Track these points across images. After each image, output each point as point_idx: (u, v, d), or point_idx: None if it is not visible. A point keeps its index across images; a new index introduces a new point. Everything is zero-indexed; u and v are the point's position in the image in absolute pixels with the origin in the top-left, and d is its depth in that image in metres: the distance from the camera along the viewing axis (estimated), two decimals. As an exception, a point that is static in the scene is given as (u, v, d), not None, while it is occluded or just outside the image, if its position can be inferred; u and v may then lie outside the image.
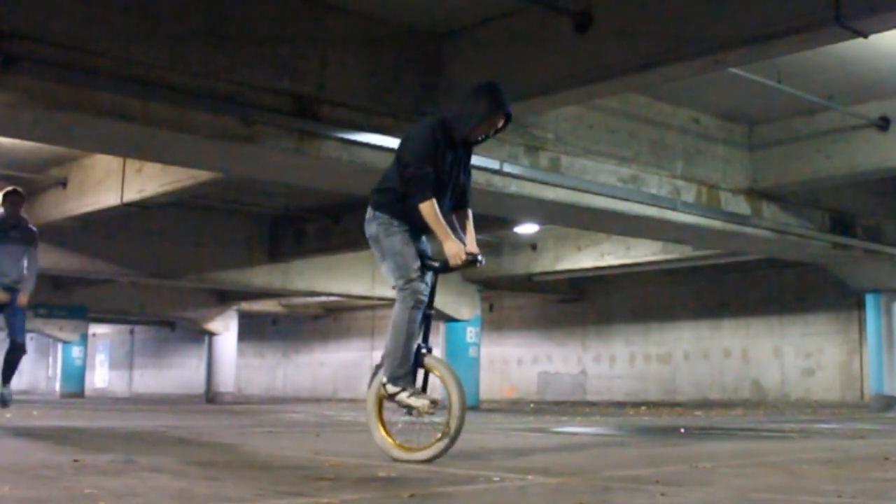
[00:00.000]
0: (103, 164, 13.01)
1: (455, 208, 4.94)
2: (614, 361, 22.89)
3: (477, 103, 4.69)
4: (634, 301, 22.38)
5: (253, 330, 31.70)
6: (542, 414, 14.89)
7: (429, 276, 4.74)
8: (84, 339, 30.48)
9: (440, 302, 20.30)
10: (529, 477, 4.06)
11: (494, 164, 9.45)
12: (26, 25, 6.95)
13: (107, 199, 13.01)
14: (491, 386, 23.99)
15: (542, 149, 10.00)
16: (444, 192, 4.76)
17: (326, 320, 30.72)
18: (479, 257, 4.70)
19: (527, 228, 15.74)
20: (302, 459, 4.86)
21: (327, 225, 16.26)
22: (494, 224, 14.65)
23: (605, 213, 10.93)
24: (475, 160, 9.33)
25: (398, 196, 4.71)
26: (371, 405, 4.82)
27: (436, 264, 4.74)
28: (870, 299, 15.72)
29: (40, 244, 8.42)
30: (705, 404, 19.60)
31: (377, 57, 8.47)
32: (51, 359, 36.15)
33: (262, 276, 18.57)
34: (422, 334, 4.75)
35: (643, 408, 18.14)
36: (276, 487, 3.58)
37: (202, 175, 11.37)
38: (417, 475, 4.08)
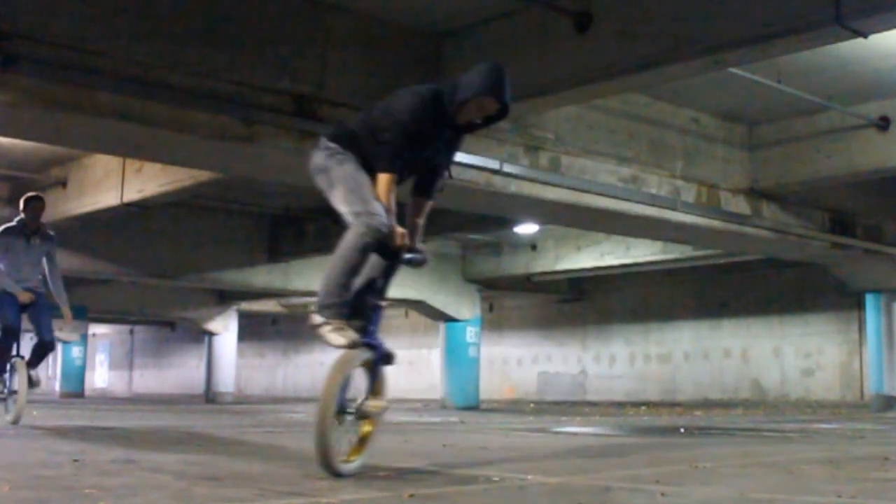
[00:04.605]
0: (103, 164, 13.00)
1: (416, 194, 4.41)
2: (614, 361, 22.88)
3: (471, 81, 4.25)
4: (634, 301, 22.37)
5: (253, 330, 31.68)
6: (542, 414, 14.89)
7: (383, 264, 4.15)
8: (84, 339, 30.46)
9: (440, 301, 20.35)
10: (529, 477, 4.06)
11: (494, 164, 9.45)
12: (26, 25, 6.94)
13: (107, 199, 12.99)
14: (491, 386, 23.97)
15: (542, 149, 9.99)
16: (408, 169, 4.27)
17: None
18: (418, 256, 4.22)
19: (527, 228, 15.74)
20: (302, 459, 4.85)
21: (327, 225, 16.22)
22: (494, 224, 14.65)
23: (605, 213, 10.92)
24: (475, 160, 9.41)
25: (360, 145, 4.21)
26: None
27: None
28: (870, 299, 15.73)
29: None
30: (705, 404, 19.59)
31: (377, 57, 8.47)
32: (51, 359, 36.13)
33: (262, 276, 18.56)
34: (372, 322, 4.10)
35: (643, 408, 18.14)
36: (276, 487, 3.58)
37: (202, 175, 11.36)
38: (417, 475, 4.08)
